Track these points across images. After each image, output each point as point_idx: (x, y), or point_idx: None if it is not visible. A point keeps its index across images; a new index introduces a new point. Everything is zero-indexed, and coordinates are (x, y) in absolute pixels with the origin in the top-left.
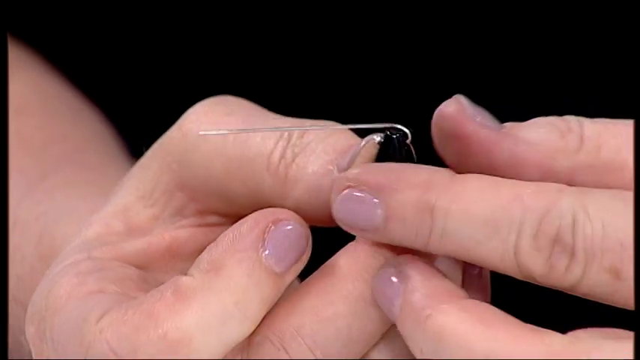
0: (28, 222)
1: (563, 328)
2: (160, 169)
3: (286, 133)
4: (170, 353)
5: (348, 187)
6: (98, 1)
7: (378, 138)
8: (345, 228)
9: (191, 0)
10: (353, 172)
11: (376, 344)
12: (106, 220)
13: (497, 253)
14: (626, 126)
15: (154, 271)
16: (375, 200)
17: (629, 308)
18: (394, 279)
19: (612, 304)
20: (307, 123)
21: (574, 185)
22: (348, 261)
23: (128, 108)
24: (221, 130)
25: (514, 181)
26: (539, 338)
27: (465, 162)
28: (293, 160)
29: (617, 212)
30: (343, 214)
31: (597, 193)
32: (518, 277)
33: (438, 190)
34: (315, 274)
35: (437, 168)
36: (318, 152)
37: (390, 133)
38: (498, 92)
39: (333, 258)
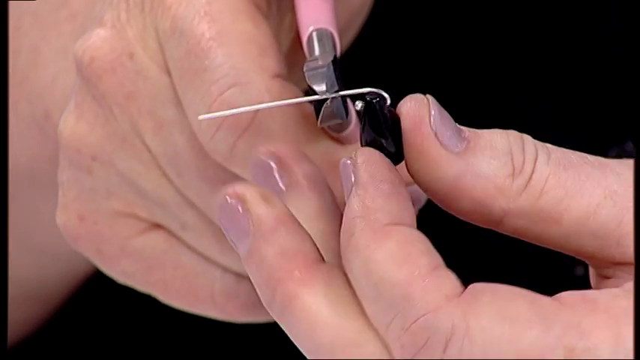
0: None
1: None
2: None
3: None
4: None
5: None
6: None
7: (359, 105)
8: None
9: None
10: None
11: None
12: None
13: (377, 317)
14: (578, 172)
15: None
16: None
17: None
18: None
19: None
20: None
21: (506, 224)
22: None
23: None
24: (224, 111)
25: (423, 262)
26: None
27: (412, 159)
28: None
29: (500, 337)
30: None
31: (483, 311)
32: None
33: (366, 223)
34: None
35: (387, 205)
36: None
37: (370, 98)
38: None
39: None
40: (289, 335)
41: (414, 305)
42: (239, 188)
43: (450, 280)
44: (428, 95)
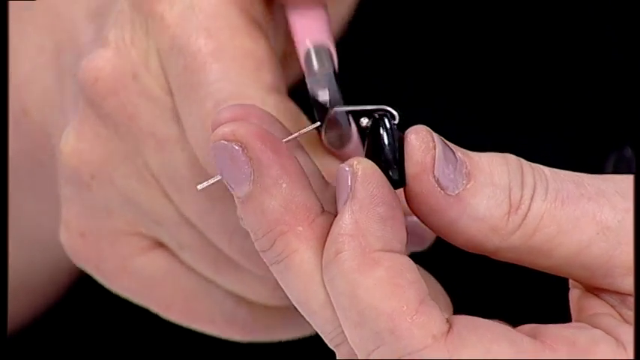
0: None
1: None
2: None
3: None
4: None
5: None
6: None
7: (365, 121)
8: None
9: None
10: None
11: None
12: None
13: (357, 342)
14: (573, 208)
15: None
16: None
17: None
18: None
19: None
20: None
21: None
22: None
23: None
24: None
25: (411, 295)
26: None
27: (411, 199)
28: None
29: None
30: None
31: (469, 353)
32: None
33: (357, 245)
34: None
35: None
36: None
37: (379, 115)
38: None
39: None
40: (279, 281)
41: (401, 341)
42: (239, 130)
43: (436, 316)
44: (433, 133)
